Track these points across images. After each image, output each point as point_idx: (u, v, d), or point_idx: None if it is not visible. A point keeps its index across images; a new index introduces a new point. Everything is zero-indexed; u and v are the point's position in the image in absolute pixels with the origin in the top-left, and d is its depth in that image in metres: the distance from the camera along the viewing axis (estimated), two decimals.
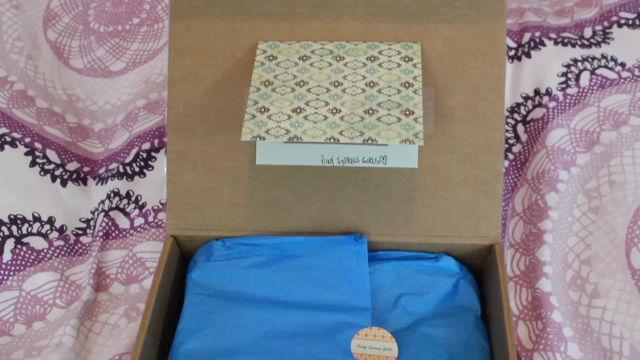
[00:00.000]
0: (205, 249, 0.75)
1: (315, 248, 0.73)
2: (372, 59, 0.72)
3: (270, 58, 0.73)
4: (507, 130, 0.95)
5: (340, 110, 0.67)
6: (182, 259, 0.78)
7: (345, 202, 0.74)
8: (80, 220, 0.90)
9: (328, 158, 0.73)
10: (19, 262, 0.84)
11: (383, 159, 0.73)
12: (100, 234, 0.87)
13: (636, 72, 0.97)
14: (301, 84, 0.70)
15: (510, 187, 0.90)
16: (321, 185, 0.74)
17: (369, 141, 0.65)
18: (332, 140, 0.65)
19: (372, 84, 0.70)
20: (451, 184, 0.73)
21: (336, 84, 0.70)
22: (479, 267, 0.77)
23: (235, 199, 0.75)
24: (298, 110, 0.68)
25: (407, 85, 0.69)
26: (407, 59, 0.72)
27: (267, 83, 0.70)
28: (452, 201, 0.73)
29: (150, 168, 0.94)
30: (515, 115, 0.96)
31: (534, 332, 0.76)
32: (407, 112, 0.67)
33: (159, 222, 0.88)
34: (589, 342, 0.75)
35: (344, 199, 0.74)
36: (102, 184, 0.93)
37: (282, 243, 0.73)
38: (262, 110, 0.68)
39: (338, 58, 0.72)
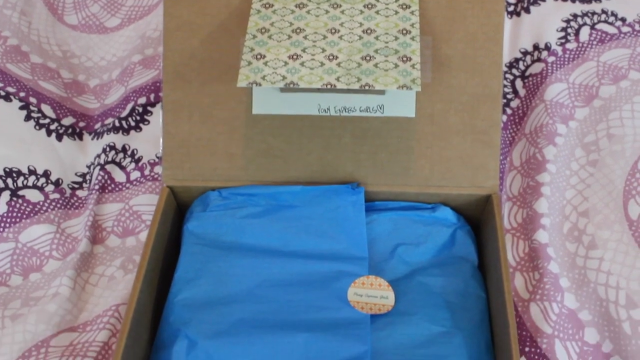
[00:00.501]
0: (202, 199, 0.75)
1: (312, 198, 0.73)
2: (369, 6, 0.71)
3: (267, 6, 0.72)
4: (505, 85, 0.94)
5: (337, 57, 0.67)
6: (178, 211, 0.78)
7: (342, 152, 0.73)
8: (76, 174, 0.90)
9: (325, 107, 0.73)
10: (14, 214, 0.83)
11: (380, 108, 0.72)
12: (96, 187, 0.87)
13: (636, 27, 0.96)
14: (297, 31, 0.69)
15: (508, 142, 0.89)
16: (318, 135, 0.73)
17: (366, 87, 0.64)
18: (328, 86, 0.64)
19: (369, 31, 0.69)
20: (449, 134, 0.72)
21: (333, 31, 0.69)
22: (477, 218, 0.76)
23: (231, 149, 0.74)
24: (294, 57, 0.67)
25: (404, 32, 0.69)
26: (404, 6, 0.71)
27: (263, 30, 0.70)
28: (449, 151, 0.73)
29: (146, 122, 0.93)
30: (514, 71, 0.95)
31: (530, 282, 0.76)
32: (405, 59, 0.66)
33: (155, 176, 0.88)
34: (585, 292, 0.75)
35: (340, 148, 0.73)
36: (97, 139, 0.92)
37: (279, 193, 0.73)
38: (259, 57, 0.67)
39: (335, 5, 0.71)
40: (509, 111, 0.92)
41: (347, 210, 0.72)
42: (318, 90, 0.71)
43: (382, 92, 0.72)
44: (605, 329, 0.72)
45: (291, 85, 0.64)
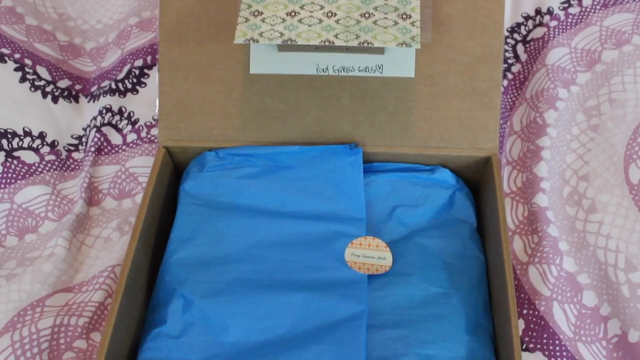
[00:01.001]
0: (198, 160, 0.74)
1: (309, 158, 0.72)
2: None
3: None
4: (506, 50, 0.93)
5: (335, 14, 0.66)
6: (175, 172, 0.77)
7: (340, 112, 0.72)
8: (72, 136, 0.89)
9: (323, 67, 0.72)
10: (9, 175, 0.83)
11: (379, 68, 0.71)
12: (92, 149, 0.86)
13: None
14: None
15: (508, 106, 0.88)
16: (316, 95, 0.72)
17: (365, 44, 0.63)
18: (326, 43, 0.63)
19: None
20: (448, 94, 0.71)
21: None
22: (476, 181, 0.76)
23: (228, 109, 0.73)
24: (292, 13, 0.66)
25: None
26: None
27: None
28: (449, 112, 0.72)
29: (142, 85, 0.92)
30: (515, 35, 0.94)
31: (529, 245, 0.75)
32: (404, 16, 0.65)
33: (152, 138, 0.87)
34: (584, 255, 0.74)
35: (339, 109, 0.72)
36: (94, 101, 0.91)
37: (276, 153, 0.72)
38: (256, 13, 0.66)
39: None
40: (509, 76, 0.91)
41: (345, 171, 0.71)
42: (316, 48, 0.70)
43: (381, 52, 0.71)
44: (603, 292, 0.72)
45: (289, 42, 0.63)
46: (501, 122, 0.85)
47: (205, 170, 0.73)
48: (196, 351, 0.62)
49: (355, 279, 0.65)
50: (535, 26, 0.94)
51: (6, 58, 0.92)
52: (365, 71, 0.71)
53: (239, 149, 0.73)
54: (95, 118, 0.89)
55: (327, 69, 0.72)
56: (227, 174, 0.72)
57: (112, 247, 0.78)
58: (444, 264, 0.67)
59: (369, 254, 0.67)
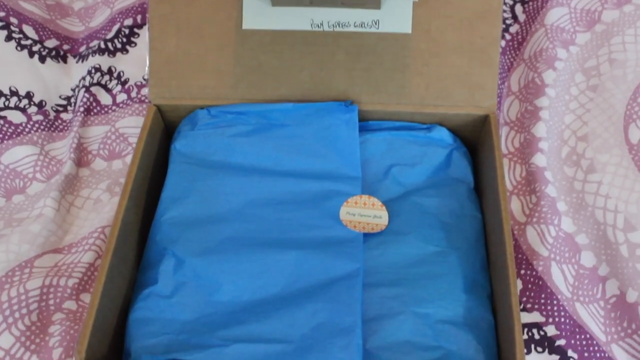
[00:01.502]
0: (190, 118, 0.72)
1: (304, 116, 0.70)
2: None
3: None
4: (504, 11, 0.91)
5: None
6: (166, 131, 0.75)
7: (335, 69, 0.70)
8: (60, 97, 0.87)
9: (318, 22, 0.70)
10: None
11: (375, 23, 0.70)
12: (81, 109, 0.84)
13: None
14: None
15: (506, 67, 0.87)
16: (310, 51, 0.70)
17: None
18: None
19: None
20: (446, 51, 0.70)
21: None
22: (473, 141, 0.74)
23: (220, 66, 0.71)
24: None
25: None
26: None
27: None
28: (446, 68, 0.70)
29: (132, 44, 0.90)
30: None
31: (527, 206, 0.74)
32: None
33: (143, 98, 0.85)
34: (582, 215, 0.73)
35: (333, 65, 0.70)
36: (82, 62, 0.89)
37: (270, 111, 0.70)
38: None
39: None
40: (507, 37, 0.89)
41: (340, 129, 0.69)
42: (310, 2, 0.68)
43: (377, 7, 0.69)
44: (602, 252, 0.71)
45: None
46: (499, 82, 0.84)
47: (197, 129, 0.71)
48: (188, 310, 0.60)
49: (351, 238, 0.64)
50: None
51: None
52: (361, 27, 0.70)
53: (232, 107, 0.71)
54: (84, 78, 0.87)
55: (321, 24, 0.70)
56: (219, 132, 0.70)
57: (101, 209, 0.77)
58: (440, 222, 0.66)
59: (364, 212, 0.66)
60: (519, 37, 0.88)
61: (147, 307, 0.61)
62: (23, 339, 0.66)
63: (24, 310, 0.67)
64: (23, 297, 0.67)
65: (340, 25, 0.70)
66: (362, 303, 0.60)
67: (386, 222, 0.65)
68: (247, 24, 0.70)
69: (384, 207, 0.66)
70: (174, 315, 0.60)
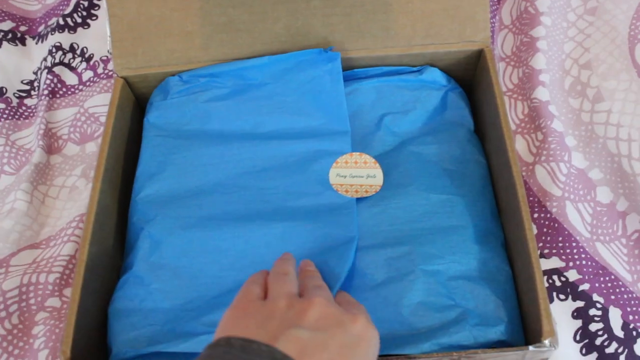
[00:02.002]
0: (161, 87, 0.67)
1: (282, 71, 0.64)
2: None
3: None
4: None
5: None
6: (137, 105, 0.70)
7: (312, 16, 0.64)
8: (22, 82, 0.81)
9: None
10: None
11: None
12: (46, 92, 0.78)
13: None
14: None
15: (495, 0, 0.81)
16: (283, 1, 0.64)
17: None
18: None
19: None
20: None
21: None
22: (469, 80, 0.68)
23: (187, 26, 0.65)
24: None
25: None
26: None
27: None
28: (432, 3, 0.64)
29: (94, 17, 0.84)
30: None
31: (533, 144, 0.68)
32: None
33: (110, 73, 0.79)
34: (594, 149, 0.68)
35: (310, 12, 0.64)
36: (42, 42, 0.83)
37: (245, 69, 0.65)
38: None
39: None
40: None
41: (324, 81, 0.64)
42: None
43: None
44: (619, 185, 0.65)
45: None
46: (490, 15, 0.78)
47: (169, 98, 0.65)
48: (170, 297, 0.55)
49: (343, 204, 0.58)
50: None
51: None
52: None
53: (204, 69, 0.65)
54: (45, 59, 0.81)
55: None
56: (192, 98, 0.65)
57: (78, 196, 0.71)
58: (442, 170, 0.60)
59: (356, 172, 0.60)
60: None
61: (126, 297, 0.56)
62: (5, 344, 0.61)
63: (3, 314, 0.62)
64: (0, 299, 0.62)
65: None
66: (352, 271, 0.54)
67: (381, 182, 0.60)
68: None
69: (377, 164, 0.61)
70: (155, 304, 0.55)
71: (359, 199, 0.59)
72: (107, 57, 0.80)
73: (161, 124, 0.64)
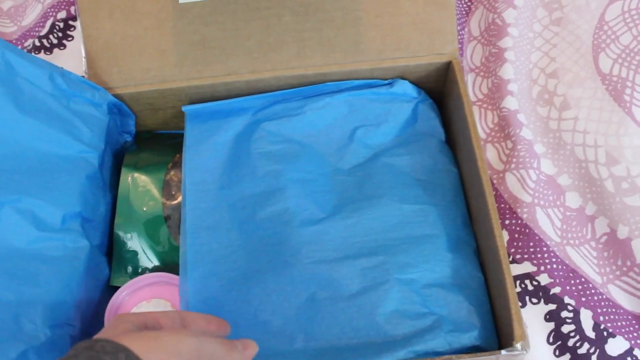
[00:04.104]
0: None
1: None
2: None
3: None
4: None
5: None
6: None
7: (283, 33, 0.66)
8: None
9: None
10: None
11: None
12: None
13: None
14: None
15: (464, 12, 0.83)
16: (255, 17, 0.66)
17: None
18: None
19: None
20: None
21: None
22: (439, 91, 0.70)
23: (161, 45, 0.66)
24: None
25: None
26: None
27: None
28: (401, 17, 0.66)
29: (69, 38, 0.84)
30: None
31: (503, 152, 0.70)
32: None
33: None
34: (562, 155, 0.69)
35: (281, 29, 0.66)
36: None
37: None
38: None
39: None
40: None
41: None
42: None
43: None
44: (587, 190, 0.67)
45: None
46: (458, 28, 0.80)
47: None
48: None
49: None
50: None
51: None
52: None
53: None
54: None
55: None
56: None
57: None
58: (415, 180, 0.62)
59: None
60: None
61: None
62: None
63: None
64: None
65: None
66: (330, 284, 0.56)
67: None
68: None
69: None
70: None
71: (333, 212, 0.60)
72: (84, 77, 0.81)
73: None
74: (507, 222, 0.66)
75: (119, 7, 0.66)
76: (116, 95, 0.67)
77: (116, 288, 0.61)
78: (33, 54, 0.82)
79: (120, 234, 0.64)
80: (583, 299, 0.62)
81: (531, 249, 0.64)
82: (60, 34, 0.84)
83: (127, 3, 0.66)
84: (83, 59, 0.67)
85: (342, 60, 0.66)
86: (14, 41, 0.86)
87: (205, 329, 0.46)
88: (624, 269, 0.63)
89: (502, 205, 0.67)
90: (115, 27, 0.67)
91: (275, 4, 0.65)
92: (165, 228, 0.64)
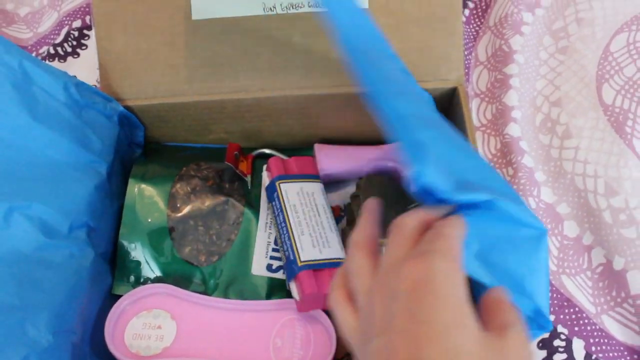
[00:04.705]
0: None
1: None
2: None
3: None
4: None
5: None
6: None
7: (293, 53, 0.67)
8: None
9: (270, 5, 0.66)
10: None
11: None
12: None
13: None
14: None
15: (472, 37, 0.84)
16: (265, 37, 0.67)
17: None
18: None
19: None
20: (406, 24, 0.67)
21: None
22: (443, 115, 0.71)
23: (173, 60, 0.68)
24: None
25: None
26: None
27: None
28: (408, 42, 0.67)
29: (83, 47, 0.86)
30: None
31: (504, 178, 0.71)
32: None
33: None
34: (562, 184, 0.70)
35: (291, 49, 0.67)
36: None
37: None
38: None
39: None
40: (470, 5, 0.86)
41: None
42: None
43: None
44: (585, 220, 0.68)
45: None
46: (465, 53, 0.81)
47: None
48: None
49: None
50: None
51: None
52: (316, 6, 0.66)
53: None
54: None
55: (274, 7, 0.66)
56: None
57: None
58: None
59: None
60: (483, 4, 0.85)
61: None
62: None
63: None
64: None
65: (294, 7, 0.66)
66: None
67: None
68: (196, 15, 0.67)
69: None
70: None
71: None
72: (96, 86, 0.83)
73: None
74: None
75: (133, 21, 0.67)
76: (126, 107, 0.69)
77: (118, 297, 0.63)
78: (47, 61, 0.84)
79: (125, 243, 0.65)
80: (576, 329, 0.63)
81: None
82: (74, 43, 0.86)
83: (141, 18, 0.67)
84: (97, 70, 0.69)
85: (349, 81, 0.67)
86: (29, 47, 0.88)
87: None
88: (619, 300, 0.64)
89: None
90: (128, 41, 0.68)
91: (285, 24, 0.67)
92: (169, 240, 0.65)
